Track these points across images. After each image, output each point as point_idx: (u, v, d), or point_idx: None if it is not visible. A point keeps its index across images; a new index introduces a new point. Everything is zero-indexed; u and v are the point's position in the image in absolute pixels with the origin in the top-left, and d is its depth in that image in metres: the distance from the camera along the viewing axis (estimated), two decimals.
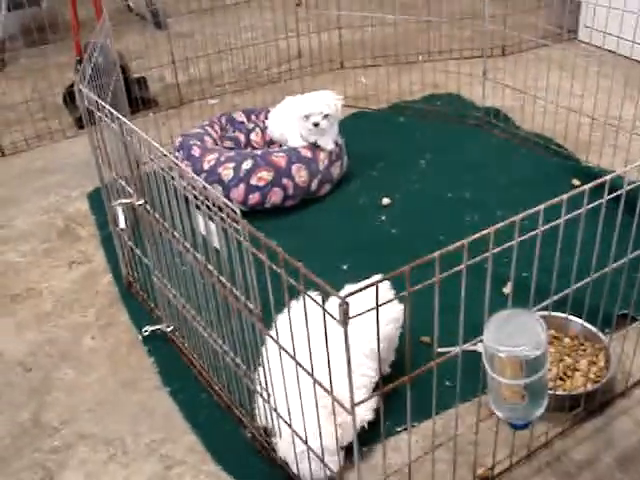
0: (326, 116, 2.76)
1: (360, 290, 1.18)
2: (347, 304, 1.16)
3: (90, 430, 1.95)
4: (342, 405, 1.30)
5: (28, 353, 2.24)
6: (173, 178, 1.67)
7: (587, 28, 4.06)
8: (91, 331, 2.31)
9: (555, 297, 1.59)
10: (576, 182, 2.80)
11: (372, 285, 1.19)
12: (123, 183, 2.08)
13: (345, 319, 1.17)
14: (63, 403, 2.05)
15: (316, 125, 2.76)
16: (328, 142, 2.83)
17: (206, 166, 2.72)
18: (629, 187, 1.57)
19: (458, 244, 1.30)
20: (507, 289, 2.18)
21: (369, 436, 1.75)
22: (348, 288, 1.83)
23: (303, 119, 2.78)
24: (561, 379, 1.91)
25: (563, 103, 3.04)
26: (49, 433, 1.95)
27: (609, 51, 3.53)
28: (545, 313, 1.80)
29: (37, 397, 2.07)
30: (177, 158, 2.84)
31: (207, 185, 1.55)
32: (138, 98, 3.61)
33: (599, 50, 3.52)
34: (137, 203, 1.97)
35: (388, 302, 1.31)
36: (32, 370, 2.18)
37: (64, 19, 4.20)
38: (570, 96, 3.05)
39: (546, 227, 1.45)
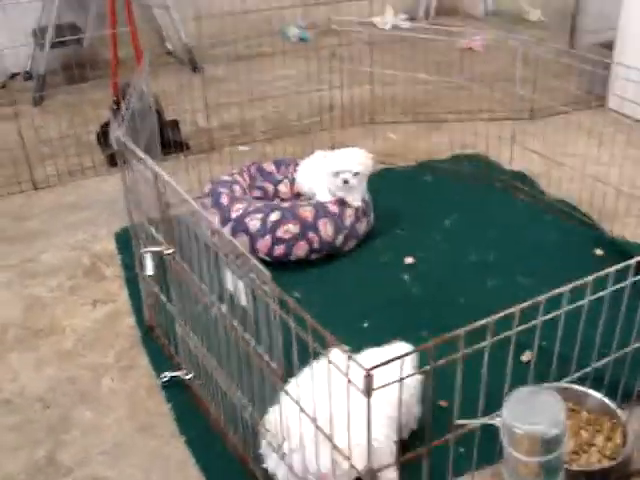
0: (356, 174, 2.80)
1: (386, 363, 1.20)
2: (372, 376, 1.18)
3: (104, 473, 1.97)
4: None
5: (48, 389, 2.27)
6: (208, 238, 1.70)
7: (615, 96, 4.10)
8: (111, 372, 2.34)
9: (576, 374, 1.60)
10: (599, 252, 2.81)
11: (397, 359, 1.21)
12: (153, 230, 2.11)
13: (369, 390, 1.19)
14: (79, 443, 2.07)
15: (346, 182, 2.79)
16: (356, 199, 2.86)
17: (234, 215, 2.76)
18: None
19: (483, 322, 1.33)
20: (525, 357, 2.19)
21: None
22: (370, 352, 1.85)
23: (333, 175, 2.81)
24: (576, 453, 1.90)
25: (589, 171, 3.06)
26: (63, 473, 1.97)
27: (637, 121, 3.56)
28: (565, 385, 1.82)
29: (54, 435, 2.09)
30: (205, 205, 2.88)
31: (234, 240, 1.58)
32: (171, 141, 3.67)
33: (628, 119, 3.55)
34: (166, 252, 2.00)
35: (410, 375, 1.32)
36: (51, 407, 2.20)
37: (104, 58, 4.32)
38: (597, 164, 3.07)
39: (569, 308, 1.47)
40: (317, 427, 1.44)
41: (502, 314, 1.35)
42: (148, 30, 5.25)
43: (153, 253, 2.03)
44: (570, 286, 1.44)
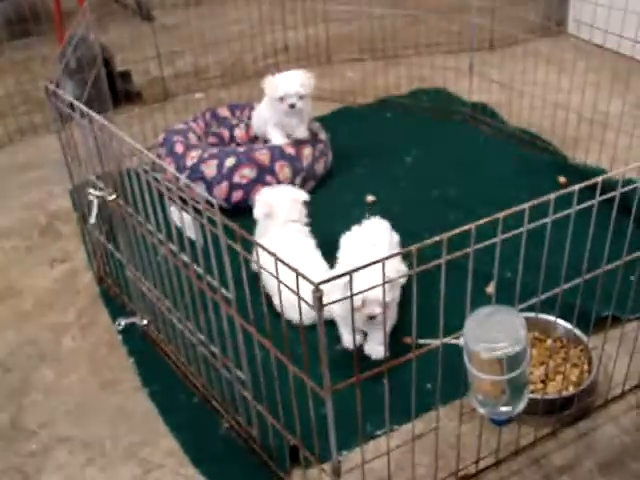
0: (301, 97, 2.72)
1: (334, 278, 1.21)
2: (321, 291, 1.17)
3: (68, 433, 1.94)
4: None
5: (8, 353, 2.23)
6: (147, 172, 1.66)
7: (574, 21, 4.04)
8: (71, 331, 2.30)
9: (542, 297, 1.58)
10: (562, 179, 2.79)
11: (345, 275, 1.22)
12: (94, 178, 2.06)
13: (320, 306, 1.18)
14: (42, 405, 2.03)
15: (292, 106, 2.72)
16: (302, 132, 2.81)
17: (189, 163, 2.70)
18: (623, 190, 1.55)
19: (437, 238, 1.29)
20: (490, 289, 2.18)
21: (348, 439, 1.74)
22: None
23: (278, 102, 2.73)
24: (543, 382, 1.90)
25: (550, 98, 3.02)
26: (27, 436, 1.94)
27: (597, 45, 3.51)
28: (531, 314, 1.80)
29: (16, 399, 2.06)
30: (160, 154, 2.82)
31: (180, 176, 1.54)
32: (122, 92, 3.57)
33: (587, 44, 3.49)
34: (109, 198, 1.96)
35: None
36: (11, 371, 2.16)
37: (47, 10, 4.16)
38: (557, 91, 3.03)
39: (531, 226, 1.44)
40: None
41: (458, 231, 1.32)
42: None
43: (96, 198, 1.98)
44: (530, 203, 1.41)
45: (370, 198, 2.77)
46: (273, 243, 1.65)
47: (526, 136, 3.10)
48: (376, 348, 1.99)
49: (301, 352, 1.37)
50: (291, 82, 2.72)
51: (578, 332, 1.98)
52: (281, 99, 2.72)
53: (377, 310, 1.86)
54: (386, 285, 1.34)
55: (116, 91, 3.47)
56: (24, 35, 4.12)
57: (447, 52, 3.87)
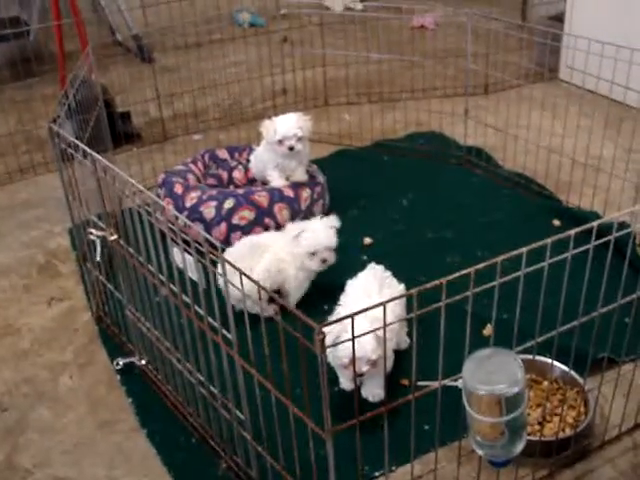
0: (300, 138, 2.75)
1: (336, 321, 1.22)
2: (324, 334, 1.18)
3: (65, 473, 1.93)
4: None
5: (4, 392, 2.22)
6: (149, 214, 1.68)
7: (567, 67, 4.12)
8: (69, 370, 2.29)
9: (538, 339, 1.60)
10: (557, 223, 2.83)
11: (347, 317, 1.23)
12: (95, 218, 2.09)
13: (322, 349, 1.20)
14: (38, 444, 2.02)
15: (291, 149, 2.75)
16: (301, 174, 2.85)
17: (188, 204, 2.72)
18: (617, 234, 1.57)
19: (436, 282, 1.31)
20: (487, 331, 2.20)
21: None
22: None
23: (277, 144, 2.77)
24: (540, 424, 1.91)
25: (544, 142, 3.07)
26: (22, 476, 1.93)
27: (589, 91, 3.58)
28: (528, 357, 1.82)
29: (11, 438, 2.05)
30: (159, 195, 2.85)
31: (182, 217, 1.57)
32: (122, 132, 3.61)
33: (579, 89, 3.56)
34: (111, 238, 1.98)
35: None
36: (8, 410, 2.15)
37: (51, 52, 4.23)
38: (551, 135, 3.08)
39: (528, 270, 1.46)
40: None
41: (457, 275, 1.34)
42: (97, 21, 5.16)
43: (97, 238, 2.02)
44: (528, 248, 1.43)
45: (367, 240, 2.79)
46: None
47: (521, 180, 3.14)
48: (374, 391, 2.00)
49: (301, 392, 1.38)
50: (289, 125, 2.75)
51: (574, 374, 1.99)
52: (280, 142, 2.75)
53: (364, 368, 1.86)
54: (377, 341, 1.35)
55: (116, 132, 3.52)
56: (27, 76, 4.17)
57: (443, 96, 3.94)
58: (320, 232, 2.42)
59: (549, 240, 1.43)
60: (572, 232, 1.47)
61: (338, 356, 1.83)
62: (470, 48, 3.18)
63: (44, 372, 2.29)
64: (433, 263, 2.60)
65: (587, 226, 1.50)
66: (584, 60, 2.83)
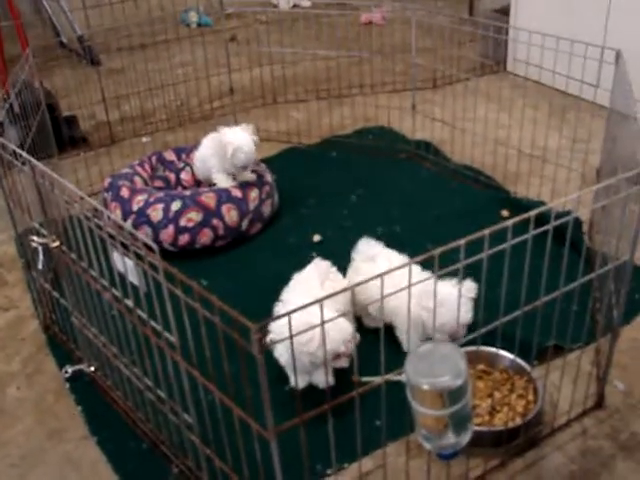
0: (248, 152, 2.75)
1: (275, 318, 1.24)
2: (262, 334, 1.18)
3: None
4: None
5: None
6: (88, 219, 1.65)
7: (513, 59, 4.17)
8: (16, 381, 2.25)
9: (482, 330, 1.61)
10: (505, 213, 2.85)
11: (285, 315, 1.23)
12: (37, 225, 2.05)
13: (260, 349, 1.19)
14: None
15: (245, 168, 2.78)
16: (248, 175, 2.85)
17: (135, 207, 2.69)
18: (556, 223, 1.59)
19: (375, 276, 1.31)
20: None
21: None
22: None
23: (228, 160, 2.76)
24: (490, 414, 1.93)
25: (491, 135, 3.10)
26: None
27: (534, 82, 3.62)
28: (474, 348, 1.83)
29: None
30: (106, 199, 2.81)
31: (120, 222, 1.54)
32: (67, 137, 3.56)
33: (526, 81, 3.60)
34: (53, 244, 1.95)
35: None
36: None
37: None
38: (498, 127, 3.11)
39: (467, 262, 1.47)
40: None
41: (394, 268, 1.34)
42: (41, 23, 5.07)
43: (40, 246, 1.99)
44: (465, 239, 1.44)
45: (316, 238, 2.79)
46: None
47: (469, 172, 3.16)
48: (321, 378, 1.99)
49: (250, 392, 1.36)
50: (252, 153, 2.76)
51: (522, 363, 2.02)
52: (231, 156, 2.74)
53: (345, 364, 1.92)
54: None
55: (62, 136, 3.46)
56: None
57: (391, 91, 3.95)
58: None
59: (487, 231, 1.43)
60: (510, 222, 1.48)
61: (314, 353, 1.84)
62: (415, 43, 3.19)
63: None
64: None
65: (524, 216, 1.51)
66: (530, 51, 2.86)
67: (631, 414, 1.97)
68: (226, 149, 2.75)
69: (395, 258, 2.26)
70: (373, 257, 2.25)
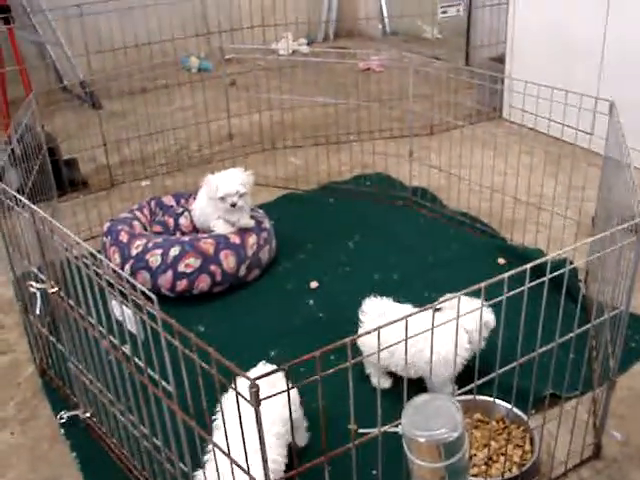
0: (242, 195, 2.77)
1: (269, 374, 1.21)
2: (257, 386, 1.18)
3: None
4: None
5: None
6: (87, 266, 1.66)
7: (509, 106, 4.23)
8: (10, 426, 2.24)
9: (478, 382, 1.61)
10: (502, 261, 2.87)
11: (279, 371, 1.23)
12: (36, 270, 2.06)
13: (257, 401, 1.19)
14: None
15: (233, 205, 2.76)
16: (246, 220, 2.85)
17: (134, 252, 2.70)
18: (552, 275, 1.60)
19: (371, 329, 1.32)
20: None
21: None
22: (257, 370, 1.85)
23: (219, 201, 2.78)
24: (487, 464, 1.92)
25: (487, 181, 3.13)
26: None
27: (530, 129, 3.67)
28: (470, 397, 1.83)
29: None
30: (105, 243, 2.82)
31: (118, 269, 1.55)
32: (67, 180, 3.58)
33: (521, 128, 3.65)
34: (51, 290, 1.95)
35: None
36: None
37: None
38: (494, 174, 3.14)
39: (466, 313, 1.48)
40: (215, 445, 1.44)
41: (392, 321, 1.34)
42: (43, 67, 5.13)
43: (38, 291, 1.99)
44: (462, 292, 1.45)
45: (314, 284, 2.80)
46: None
47: (465, 219, 3.19)
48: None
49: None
50: (231, 182, 2.77)
51: (519, 412, 2.01)
52: (222, 199, 2.76)
53: None
54: None
55: (62, 179, 3.49)
56: None
57: (388, 138, 4.00)
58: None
59: (483, 284, 1.44)
60: (506, 275, 1.49)
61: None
62: (414, 91, 3.24)
63: None
64: None
65: (521, 269, 1.53)
66: (523, 99, 2.90)
67: (629, 464, 1.96)
68: (210, 185, 2.79)
69: (405, 309, 2.25)
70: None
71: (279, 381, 1.36)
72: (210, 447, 1.59)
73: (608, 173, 2.45)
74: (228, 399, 1.61)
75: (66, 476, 2.03)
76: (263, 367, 1.93)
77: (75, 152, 3.80)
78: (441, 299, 1.59)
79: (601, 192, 2.62)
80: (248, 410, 1.23)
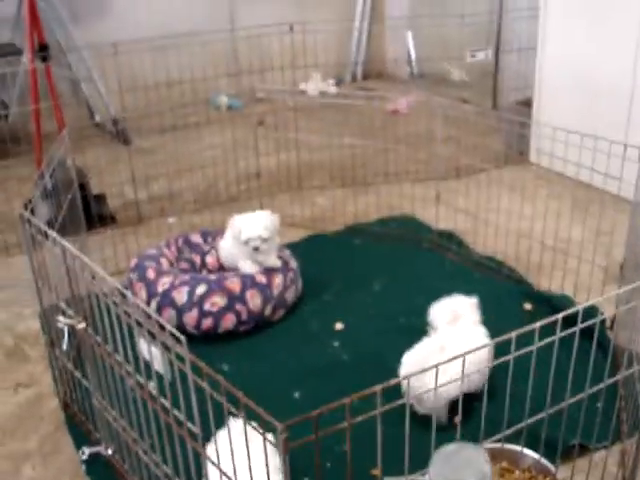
0: (265, 239, 2.77)
1: (301, 420, 1.20)
2: (286, 432, 1.17)
3: None
4: None
5: None
6: (117, 304, 1.67)
7: (535, 151, 4.22)
8: (32, 460, 2.24)
9: (506, 432, 1.60)
10: (528, 307, 2.84)
11: (309, 418, 1.22)
12: (64, 306, 2.07)
13: (286, 448, 1.18)
14: None
15: (256, 249, 2.77)
16: (273, 260, 2.85)
17: (160, 289, 2.71)
18: (583, 325, 1.58)
19: (401, 378, 1.31)
20: (457, 419, 2.18)
21: None
22: None
23: (243, 244, 2.79)
24: None
25: (514, 226, 3.12)
26: None
27: (557, 173, 3.67)
28: (498, 445, 1.81)
29: None
30: (132, 280, 2.84)
31: (147, 309, 1.55)
32: (96, 215, 3.62)
33: (549, 172, 3.65)
34: (79, 326, 1.96)
35: None
36: None
37: (27, 132, 4.26)
38: (520, 218, 3.13)
39: (494, 363, 1.47)
40: None
41: (421, 371, 1.34)
42: (76, 103, 5.23)
43: (66, 326, 2.01)
44: (493, 341, 1.44)
45: (339, 326, 2.78)
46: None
47: (492, 263, 3.17)
48: None
49: None
50: (254, 226, 2.77)
51: (546, 462, 1.98)
52: (246, 242, 2.78)
53: None
54: None
55: (90, 214, 3.53)
56: (2, 156, 4.20)
57: (415, 180, 4.00)
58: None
59: (514, 334, 1.44)
60: (537, 325, 1.48)
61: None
62: (441, 134, 3.25)
63: (6, 463, 2.23)
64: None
65: (552, 318, 1.52)
66: (551, 144, 2.90)
67: None
68: (234, 228, 2.81)
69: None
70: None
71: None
72: None
73: (637, 219, 2.44)
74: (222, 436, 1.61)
75: None
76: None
77: (104, 187, 3.85)
78: None
79: (629, 238, 2.60)
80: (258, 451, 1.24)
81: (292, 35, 5.26)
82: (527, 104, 4.48)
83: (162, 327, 1.48)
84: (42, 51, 4.11)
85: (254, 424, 1.33)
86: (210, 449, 1.58)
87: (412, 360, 2.21)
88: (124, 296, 1.63)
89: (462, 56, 4.91)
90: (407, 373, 2.14)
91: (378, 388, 1.25)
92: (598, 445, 2.05)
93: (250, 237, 2.76)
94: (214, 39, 4.97)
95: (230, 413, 1.34)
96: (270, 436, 1.27)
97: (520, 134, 3.86)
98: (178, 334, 1.40)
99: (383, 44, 6.70)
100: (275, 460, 1.35)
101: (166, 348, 1.51)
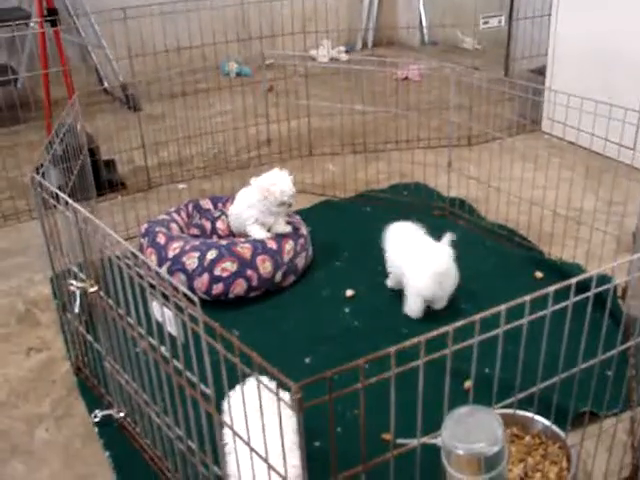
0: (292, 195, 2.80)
1: (313, 381, 1.20)
2: (301, 393, 1.17)
3: None
4: None
5: None
6: (129, 267, 1.67)
7: (548, 119, 4.18)
8: (46, 423, 2.25)
9: (519, 396, 1.59)
10: (539, 275, 2.83)
11: (323, 379, 1.21)
12: (76, 269, 2.07)
13: (300, 408, 1.17)
14: None
15: (290, 205, 2.81)
16: (283, 226, 2.87)
17: (170, 254, 2.71)
18: (596, 290, 1.57)
19: (415, 340, 1.31)
20: (467, 385, 2.18)
21: None
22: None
23: (277, 205, 2.79)
24: None
25: (526, 194, 3.10)
26: None
27: (570, 142, 3.63)
28: (509, 411, 1.81)
29: None
30: (142, 244, 2.84)
31: (160, 271, 1.55)
32: (106, 181, 3.62)
33: (561, 141, 3.62)
34: (91, 289, 1.97)
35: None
36: None
37: (37, 99, 4.25)
38: (533, 187, 3.11)
39: (507, 327, 1.46)
40: (252, 449, 1.41)
41: (435, 333, 1.33)
42: (85, 69, 5.21)
43: (77, 289, 2.00)
44: (506, 305, 1.43)
45: (349, 293, 2.78)
46: None
47: (503, 231, 3.16)
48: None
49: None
50: (287, 183, 2.80)
51: (556, 428, 1.98)
52: (282, 203, 2.78)
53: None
54: None
55: (100, 180, 3.52)
56: (13, 122, 4.19)
57: (426, 147, 3.98)
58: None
59: (527, 298, 1.42)
60: (552, 289, 1.47)
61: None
62: (453, 101, 3.22)
63: (20, 425, 2.25)
64: None
65: (566, 283, 1.50)
66: (564, 113, 2.87)
67: None
68: (263, 191, 2.79)
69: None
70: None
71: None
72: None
73: None
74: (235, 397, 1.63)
75: (99, 475, 2.04)
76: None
77: (114, 153, 3.84)
78: None
79: None
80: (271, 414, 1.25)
81: (303, 1, 5.23)
82: (540, 72, 4.43)
83: (175, 289, 1.47)
84: (51, 15, 4.07)
85: (267, 381, 1.33)
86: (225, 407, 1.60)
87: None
88: (137, 258, 1.63)
89: (474, 23, 4.85)
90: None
91: (392, 349, 1.24)
92: (608, 412, 2.04)
93: (289, 194, 2.78)
94: (224, 4, 4.94)
95: (244, 374, 1.34)
96: (285, 396, 1.27)
97: (533, 102, 3.82)
98: (192, 295, 1.40)
99: (394, 11, 6.62)
100: (288, 422, 1.35)
101: (179, 309, 1.51)
